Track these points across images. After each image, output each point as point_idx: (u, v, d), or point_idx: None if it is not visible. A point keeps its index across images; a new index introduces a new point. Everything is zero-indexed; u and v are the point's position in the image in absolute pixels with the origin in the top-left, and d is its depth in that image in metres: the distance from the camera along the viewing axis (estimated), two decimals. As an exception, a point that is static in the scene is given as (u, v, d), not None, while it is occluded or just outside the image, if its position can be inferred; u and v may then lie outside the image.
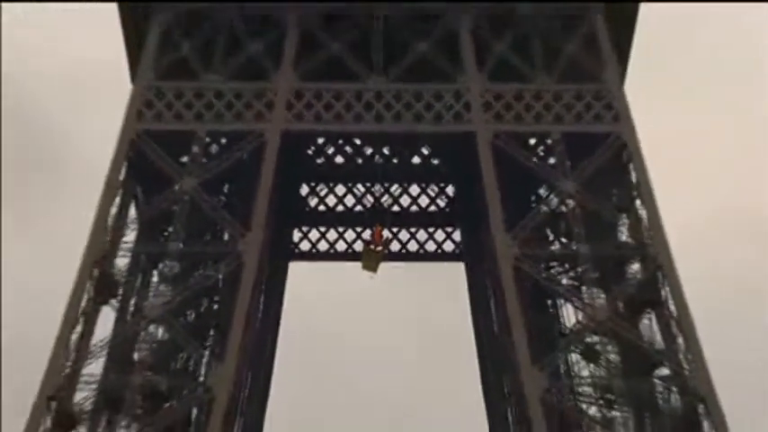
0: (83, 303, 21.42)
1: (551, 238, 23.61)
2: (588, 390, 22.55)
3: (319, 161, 26.94)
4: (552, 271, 22.81)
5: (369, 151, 26.84)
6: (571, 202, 22.40)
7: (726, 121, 55.67)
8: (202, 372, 22.57)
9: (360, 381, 43.13)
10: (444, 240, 27.98)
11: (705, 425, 20.20)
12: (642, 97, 26.06)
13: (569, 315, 23.11)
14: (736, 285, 46.35)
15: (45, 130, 55.04)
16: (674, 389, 21.23)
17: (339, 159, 26.81)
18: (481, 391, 26.33)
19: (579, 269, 22.54)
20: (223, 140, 23.03)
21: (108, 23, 24.92)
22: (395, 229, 27.93)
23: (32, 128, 51.62)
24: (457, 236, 27.99)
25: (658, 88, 45.31)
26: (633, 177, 22.31)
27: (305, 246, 27.41)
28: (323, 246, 27.56)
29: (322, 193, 27.41)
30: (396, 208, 28.49)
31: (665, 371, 21.90)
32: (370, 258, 21.60)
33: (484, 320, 25.52)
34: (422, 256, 28.07)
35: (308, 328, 32.22)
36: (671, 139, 45.34)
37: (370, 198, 27.56)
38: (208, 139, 22.85)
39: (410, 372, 46.26)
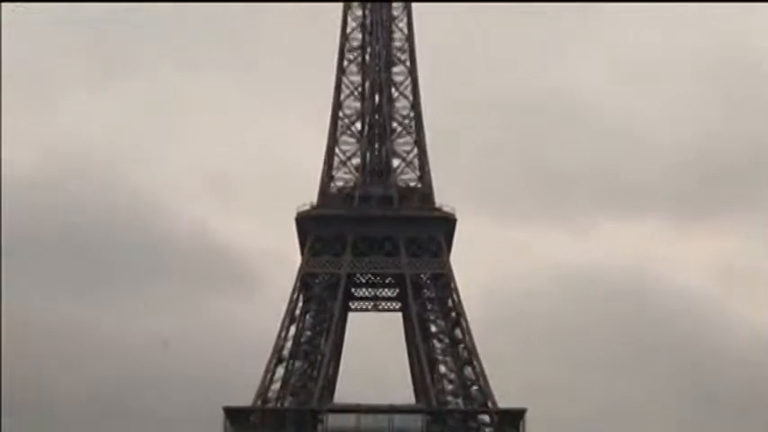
0: (284, 332, 67.20)
1: (429, 305, 69.58)
2: (440, 352, 68.35)
3: (357, 281, 73.35)
4: (428, 314, 69.03)
5: (371, 279, 73.14)
6: (433, 295, 68.90)
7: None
8: (321, 346, 67.88)
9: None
10: (394, 306, 73.95)
11: (475, 363, 65.92)
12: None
13: (433, 329, 69.08)
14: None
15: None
16: (465, 352, 67.16)
17: (362, 280, 73.27)
18: (407, 359, 72.06)
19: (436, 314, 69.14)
20: (328, 275, 69.08)
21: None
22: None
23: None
24: (398, 304, 73.94)
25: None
26: (453, 286, 68.43)
27: (352, 307, 73.56)
28: (359, 306, 73.81)
29: (359, 289, 73.90)
30: (380, 295, 75.15)
31: (461, 345, 67.84)
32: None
33: (409, 331, 71.27)
34: (387, 309, 74.15)
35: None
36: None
37: (373, 293, 74.30)
38: (324, 274, 69.06)
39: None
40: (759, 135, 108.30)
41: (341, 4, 71.03)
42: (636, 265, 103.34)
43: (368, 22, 71.29)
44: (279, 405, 64.57)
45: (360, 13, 71.44)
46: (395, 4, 71.17)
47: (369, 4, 70.62)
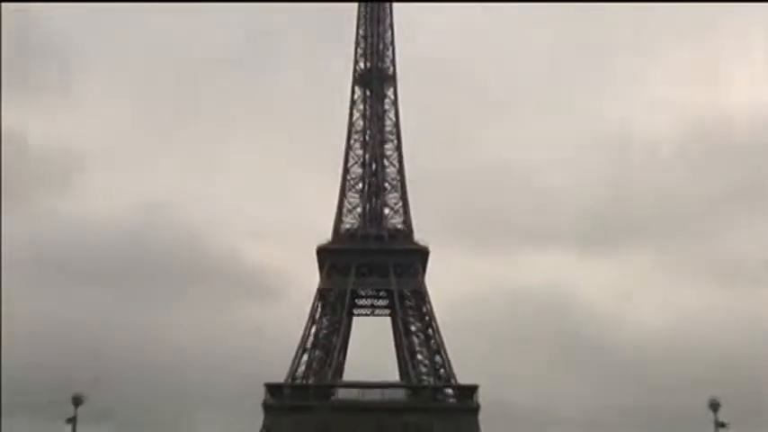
0: (308, 330, 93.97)
1: (409, 312, 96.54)
2: (418, 345, 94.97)
3: (359, 294, 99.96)
4: (409, 318, 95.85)
5: (369, 293, 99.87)
6: (413, 304, 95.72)
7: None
8: (334, 340, 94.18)
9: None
10: (385, 312, 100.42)
11: (442, 353, 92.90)
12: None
13: (412, 328, 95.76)
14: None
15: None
16: (435, 345, 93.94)
17: (363, 293, 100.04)
18: (394, 350, 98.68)
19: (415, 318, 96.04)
20: (339, 290, 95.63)
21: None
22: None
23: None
24: (388, 311, 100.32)
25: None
26: (427, 299, 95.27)
27: (356, 312, 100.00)
28: (360, 312, 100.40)
29: (360, 300, 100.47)
30: (376, 304, 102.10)
31: (432, 341, 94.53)
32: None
33: (395, 330, 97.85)
34: (380, 314, 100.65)
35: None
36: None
37: (370, 302, 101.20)
38: (336, 289, 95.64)
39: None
40: (640, 192, 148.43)
41: (348, 101, 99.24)
42: (556, 284, 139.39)
43: (367, 113, 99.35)
44: (304, 382, 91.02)
45: (362, 107, 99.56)
46: (386, 101, 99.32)
47: (368, 103, 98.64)
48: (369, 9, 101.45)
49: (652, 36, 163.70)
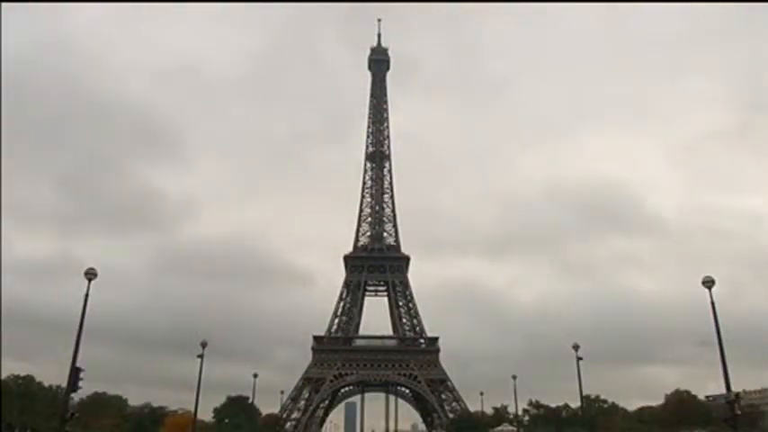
0: (338, 305, 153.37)
1: (399, 294, 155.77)
2: (403, 313, 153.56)
3: (369, 283, 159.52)
4: (398, 297, 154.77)
5: (375, 282, 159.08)
6: (401, 289, 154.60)
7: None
8: (354, 311, 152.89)
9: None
10: (384, 294, 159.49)
11: (418, 318, 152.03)
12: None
13: (400, 303, 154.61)
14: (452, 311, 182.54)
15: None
16: (414, 313, 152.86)
17: (371, 283, 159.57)
18: (389, 316, 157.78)
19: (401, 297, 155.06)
20: (357, 281, 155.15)
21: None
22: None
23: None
24: (386, 293, 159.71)
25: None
26: (409, 286, 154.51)
27: (367, 294, 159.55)
28: (369, 294, 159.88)
29: (370, 286, 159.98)
30: (379, 289, 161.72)
31: (412, 310, 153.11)
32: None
33: (390, 305, 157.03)
34: (381, 295, 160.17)
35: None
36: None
37: (375, 288, 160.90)
38: (355, 280, 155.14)
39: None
40: (524, 218, 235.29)
41: (362, 169, 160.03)
42: (477, 278, 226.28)
43: (373, 177, 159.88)
44: (336, 334, 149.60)
45: (370, 173, 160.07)
46: (385, 170, 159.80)
47: (374, 170, 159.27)
48: (373, 113, 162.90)
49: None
